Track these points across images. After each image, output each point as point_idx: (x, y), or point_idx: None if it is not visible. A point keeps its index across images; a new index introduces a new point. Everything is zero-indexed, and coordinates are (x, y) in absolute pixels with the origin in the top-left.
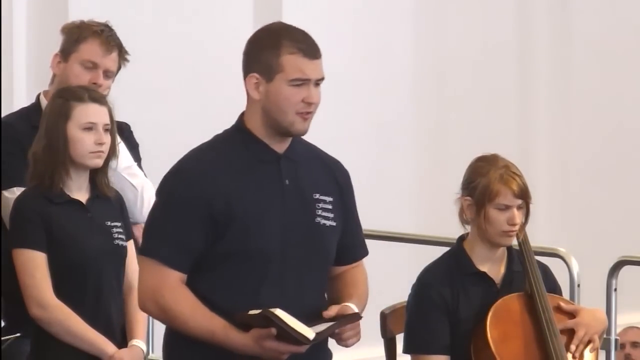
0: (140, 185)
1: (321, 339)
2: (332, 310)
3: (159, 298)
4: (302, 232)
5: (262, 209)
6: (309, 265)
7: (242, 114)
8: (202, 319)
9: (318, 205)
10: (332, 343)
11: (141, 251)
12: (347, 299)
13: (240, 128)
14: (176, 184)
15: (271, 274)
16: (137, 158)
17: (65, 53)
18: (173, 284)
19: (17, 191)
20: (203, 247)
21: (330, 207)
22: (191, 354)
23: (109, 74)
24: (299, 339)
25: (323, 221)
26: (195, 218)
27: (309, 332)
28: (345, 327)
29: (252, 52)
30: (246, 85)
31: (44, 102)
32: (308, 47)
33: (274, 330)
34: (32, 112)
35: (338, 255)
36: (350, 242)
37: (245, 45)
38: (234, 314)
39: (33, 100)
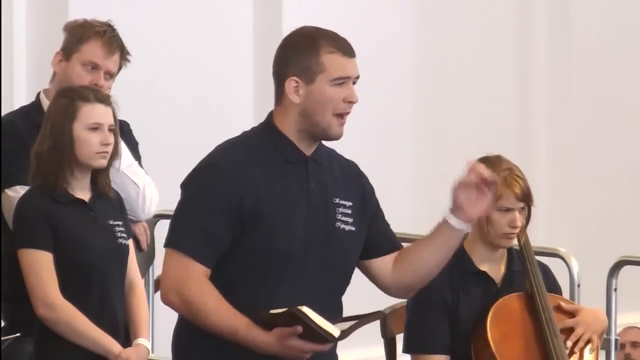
0: (142, 183)
1: (345, 337)
2: None
3: (184, 290)
4: (323, 236)
5: (288, 210)
6: (327, 268)
7: (271, 114)
8: (226, 314)
9: (338, 210)
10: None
11: (168, 243)
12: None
13: (270, 127)
14: (208, 178)
15: (290, 274)
16: (137, 157)
17: (67, 52)
18: (199, 277)
19: (20, 190)
20: (229, 242)
21: (349, 212)
22: (200, 351)
23: (110, 75)
24: (325, 336)
25: (343, 226)
26: (225, 213)
27: (335, 330)
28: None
29: (287, 56)
30: (285, 89)
31: (44, 100)
32: (345, 46)
33: (300, 328)
34: (32, 110)
35: (375, 249)
36: (384, 237)
37: (277, 51)
38: (257, 312)
39: (33, 99)
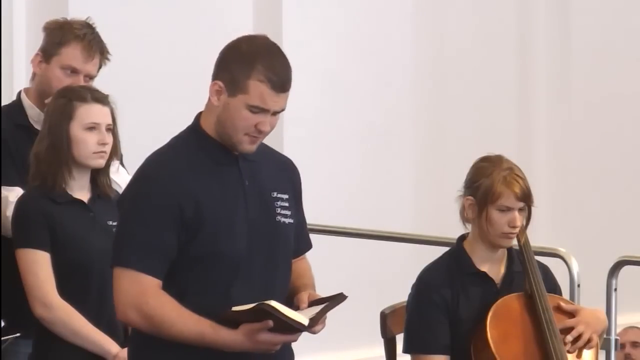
0: (124, 182)
1: (314, 324)
2: (304, 300)
3: (142, 305)
4: (265, 231)
5: (228, 211)
6: (275, 262)
7: (200, 114)
8: (189, 321)
9: (277, 204)
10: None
11: (115, 262)
12: (304, 288)
13: (196, 129)
14: (143, 189)
15: (240, 274)
16: (119, 155)
17: (47, 54)
18: (154, 290)
19: (3, 191)
20: (176, 251)
21: (287, 204)
22: (160, 356)
23: (89, 78)
24: (296, 326)
25: (282, 219)
26: (167, 222)
27: (304, 319)
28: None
29: (226, 59)
30: (209, 88)
31: (25, 100)
32: (278, 80)
33: (270, 323)
34: (13, 110)
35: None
36: (298, 238)
37: (223, 48)
38: (219, 313)
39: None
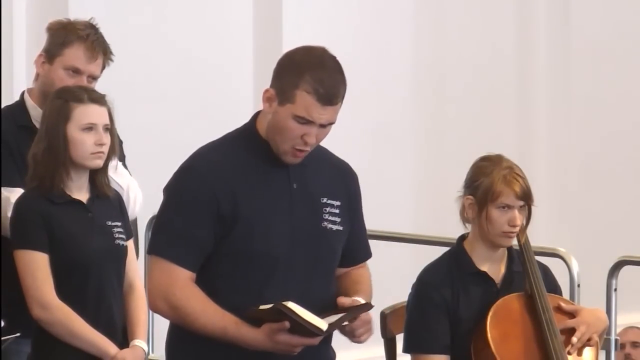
0: (125, 184)
1: (333, 329)
2: (344, 301)
3: (170, 296)
4: (308, 236)
5: (269, 212)
6: (314, 268)
7: (257, 114)
8: (213, 315)
9: (325, 210)
10: (337, 342)
11: (150, 250)
12: (354, 294)
13: (252, 129)
14: (185, 182)
15: (276, 276)
16: (122, 156)
17: (50, 55)
18: (184, 282)
19: (4, 191)
20: (212, 245)
21: (337, 211)
22: (194, 352)
23: (92, 78)
24: (312, 330)
25: (330, 225)
26: (204, 216)
27: (322, 324)
28: (357, 323)
29: (280, 68)
30: (262, 94)
31: (28, 100)
32: (326, 93)
33: (287, 324)
34: (16, 110)
35: (343, 257)
36: (355, 245)
37: (283, 54)
38: (245, 309)
39: None
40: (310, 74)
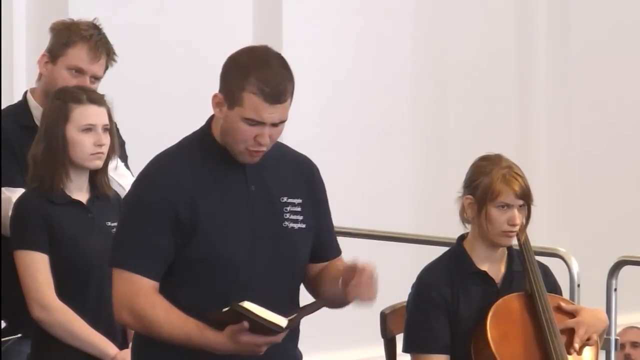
0: (128, 185)
1: (293, 325)
2: (345, 265)
3: (134, 306)
4: (270, 238)
5: (227, 216)
6: (278, 269)
7: (211, 118)
8: (177, 322)
9: (286, 209)
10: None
11: (111, 262)
12: (340, 276)
13: (207, 133)
14: (143, 190)
15: (240, 280)
16: (124, 156)
17: (53, 55)
18: (146, 292)
19: (6, 192)
20: (173, 253)
21: (299, 209)
22: (160, 357)
23: (95, 78)
24: (272, 328)
25: (291, 225)
26: (163, 225)
27: (281, 320)
28: (353, 282)
29: (225, 72)
30: (211, 99)
31: (31, 100)
32: (272, 92)
33: (246, 324)
34: (18, 110)
35: (315, 253)
36: (326, 241)
37: (227, 58)
38: (207, 314)
39: None
40: (254, 75)
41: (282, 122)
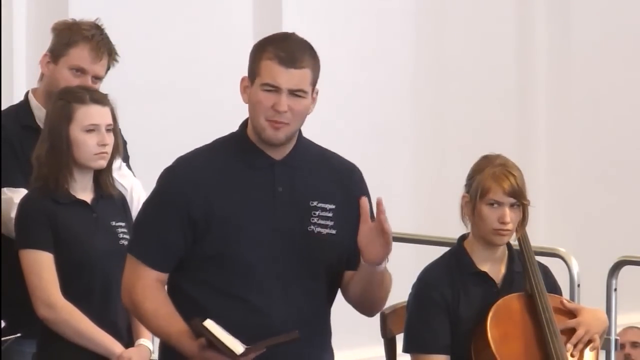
0: (129, 185)
1: (252, 353)
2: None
3: (132, 294)
4: (292, 240)
5: (246, 216)
6: (298, 272)
7: (247, 120)
8: (162, 319)
9: (314, 213)
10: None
11: (127, 247)
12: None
13: (240, 133)
14: (164, 182)
15: (253, 280)
16: (125, 156)
17: (55, 55)
18: (146, 282)
19: (8, 192)
20: (183, 249)
21: (330, 214)
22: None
23: (97, 78)
24: (225, 352)
25: (318, 229)
26: (173, 218)
27: (238, 348)
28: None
29: (250, 54)
30: (240, 84)
31: (32, 100)
32: (287, 56)
33: (203, 341)
34: (20, 110)
35: (349, 260)
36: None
37: None
38: (190, 320)
39: None
40: (269, 46)
41: (301, 91)
